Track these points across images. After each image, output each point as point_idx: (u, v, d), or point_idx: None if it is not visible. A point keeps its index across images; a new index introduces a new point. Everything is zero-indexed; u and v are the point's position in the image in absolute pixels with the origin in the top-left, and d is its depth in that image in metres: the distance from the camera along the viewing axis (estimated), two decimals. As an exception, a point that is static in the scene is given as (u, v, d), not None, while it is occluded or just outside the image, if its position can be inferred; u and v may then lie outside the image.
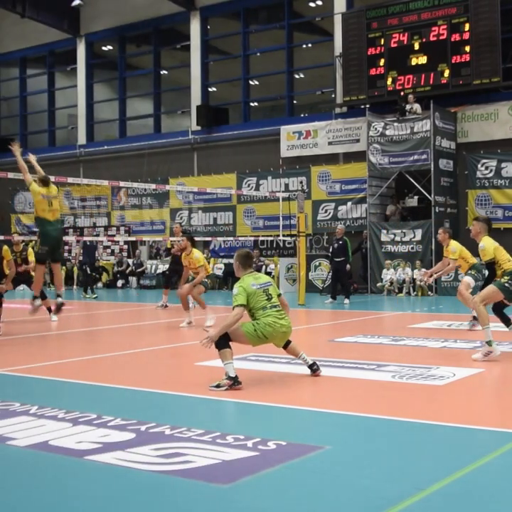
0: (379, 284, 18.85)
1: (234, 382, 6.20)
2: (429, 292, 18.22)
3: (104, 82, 27.84)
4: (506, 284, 8.20)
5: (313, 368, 6.82)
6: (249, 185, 22.55)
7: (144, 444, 4.35)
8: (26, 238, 24.36)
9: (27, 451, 4.28)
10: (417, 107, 18.59)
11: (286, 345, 6.81)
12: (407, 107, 18.68)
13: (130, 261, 24.36)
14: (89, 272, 19.78)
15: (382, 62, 19.69)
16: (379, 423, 4.96)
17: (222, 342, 6.34)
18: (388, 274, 18.72)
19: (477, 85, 18.41)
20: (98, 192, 25.71)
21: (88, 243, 19.38)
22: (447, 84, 18.77)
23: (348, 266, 16.91)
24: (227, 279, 21.83)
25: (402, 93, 19.19)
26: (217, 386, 6.17)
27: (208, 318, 10.69)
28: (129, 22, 25.35)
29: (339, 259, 16.44)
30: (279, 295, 6.73)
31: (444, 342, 9.06)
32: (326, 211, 21.19)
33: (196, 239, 22.34)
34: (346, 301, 16.09)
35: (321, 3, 22.77)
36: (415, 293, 18.43)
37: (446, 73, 18.73)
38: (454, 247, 11.28)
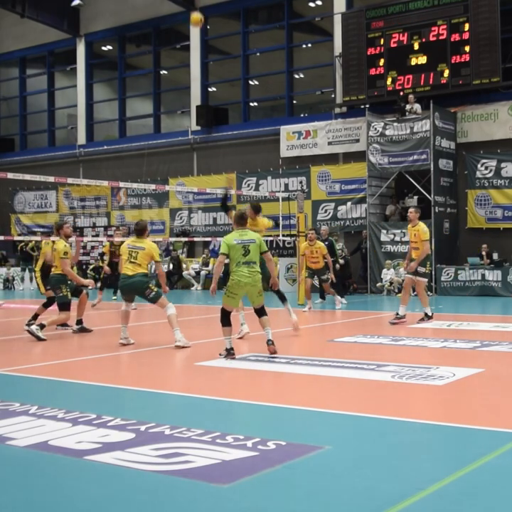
0: (379, 284, 18.85)
1: (228, 353, 7.75)
2: (429, 292, 18.20)
3: (103, 82, 27.82)
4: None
5: (268, 343, 7.89)
6: (248, 185, 22.54)
7: (144, 444, 4.35)
8: (26, 238, 24.47)
9: (27, 451, 4.28)
10: (417, 107, 18.58)
11: (260, 315, 8.07)
12: (408, 107, 18.67)
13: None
14: (116, 273, 19.46)
15: (381, 62, 19.68)
16: (379, 423, 4.96)
17: (224, 320, 7.93)
18: (388, 274, 18.72)
19: (477, 85, 18.40)
20: (98, 192, 25.70)
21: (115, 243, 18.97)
22: (447, 84, 18.77)
23: (337, 265, 16.76)
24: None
25: (401, 93, 19.19)
26: (220, 354, 7.79)
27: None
28: (128, 22, 25.33)
29: None
30: (264, 252, 8.04)
31: (444, 342, 9.05)
32: (325, 211, 21.18)
33: (196, 239, 22.59)
34: (343, 300, 16.03)
35: (320, 3, 22.77)
36: (415, 293, 18.38)
37: (446, 73, 18.73)
38: (426, 228, 11.52)
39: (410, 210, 11.89)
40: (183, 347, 8.79)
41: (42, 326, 9.74)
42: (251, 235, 8.05)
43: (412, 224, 11.54)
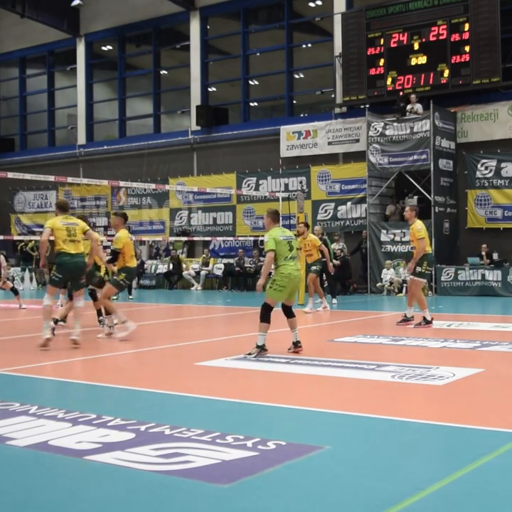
0: (379, 284, 18.84)
1: (260, 350, 7.83)
2: (429, 292, 18.21)
3: (103, 82, 27.82)
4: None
5: (297, 345, 8.13)
6: (248, 185, 22.54)
7: (144, 444, 4.35)
8: (26, 238, 24.45)
9: (27, 451, 4.28)
10: (418, 107, 18.57)
11: (289, 316, 8.21)
12: (409, 106, 18.68)
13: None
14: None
15: (381, 62, 19.67)
16: (379, 423, 4.96)
17: (265, 316, 7.90)
18: (388, 274, 18.72)
19: (477, 85, 18.39)
20: (98, 192, 25.70)
21: None
22: (447, 84, 18.77)
23: (331, 264, 16.59)
24: (226, 279, 21.83)
25: (401, 93, 19.19)
26: (249, 354, 7.80)
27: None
28: (128, 22, 25.32)
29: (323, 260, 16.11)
30: (298, 249, 8.46)
31: (444, 342, 9.05)
32: (325, 211, 21.17)
33: (196, 239, 22.60)
34: (334, 300, 16.04)
35: (320, 3, 22.76)
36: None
37: (446, 73, 18.72)
38: (420, 226, 11.15)
39: (406, 209, 11.78)
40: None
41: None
42: (288, 232, 8.42)
43: (410, 222, 11.38)
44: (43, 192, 27.19)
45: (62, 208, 9.28)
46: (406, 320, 11.19)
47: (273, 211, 8.49)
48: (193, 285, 22.27)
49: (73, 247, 8.85)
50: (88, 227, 9.23)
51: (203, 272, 22.30)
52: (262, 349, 7.85)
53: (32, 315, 13.98)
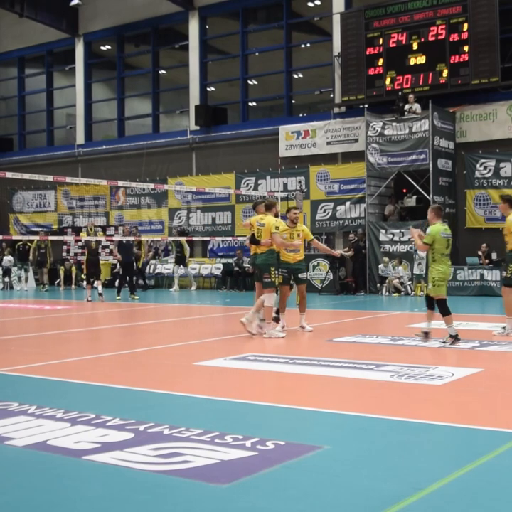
0: (384, 285, 18.69)
1: (455, 339, 8.59)
2: (421, 292, 18.18)
3: (102, 82, 27.81)
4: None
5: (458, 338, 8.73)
6: (247, 185, 22.53)
7: (143, 443, 4.35)
8: (25, 238, 24.44)
9: (25, 451, 4.28)
10: (417, 106, 18.58)
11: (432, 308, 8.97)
12: (407, 106, 18.69)
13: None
14: (120, 272, 19.19)
15: (380, 62, 19.68)
16: (378, 423, 4.96)
17: (446, 310, 8.71)
18: (387, 271, 18.61)
19: (476, 85, 18.40)
20: (96, 192, 25.68)
21: (124, 242, 18.72)
22: (446, 84, 18.77)
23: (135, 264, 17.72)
24: (226, 279, 21.80)
25: (400, 93, 19.19)
26: (445, 342, 8.58)
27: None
28: (127, 22, 25.32)
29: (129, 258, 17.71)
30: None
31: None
32: (324, 211, 21.18)
33: (194, 239, 22.57)
34: (135, 296, 16.39)
35: (319, 3, 22.76)
36: (413, 292, 18.41)
37: (445, 73, 18.73)
38: None
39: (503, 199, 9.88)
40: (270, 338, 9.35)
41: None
42: (449, 230, 8.96)
43: (506, 214, 9.66)
44: (41, 192, 27.18)
45: (267, 207, 9.92)
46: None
47: (436, 207, 9.05)
48: (192, 285, 22.12)
49: (254, 247, 9.79)
50: (273, 230, 9.64)
51: (179, 272, 21.79)
52: (455, 338, 8.60)
53: (34, 315, 13.97)
